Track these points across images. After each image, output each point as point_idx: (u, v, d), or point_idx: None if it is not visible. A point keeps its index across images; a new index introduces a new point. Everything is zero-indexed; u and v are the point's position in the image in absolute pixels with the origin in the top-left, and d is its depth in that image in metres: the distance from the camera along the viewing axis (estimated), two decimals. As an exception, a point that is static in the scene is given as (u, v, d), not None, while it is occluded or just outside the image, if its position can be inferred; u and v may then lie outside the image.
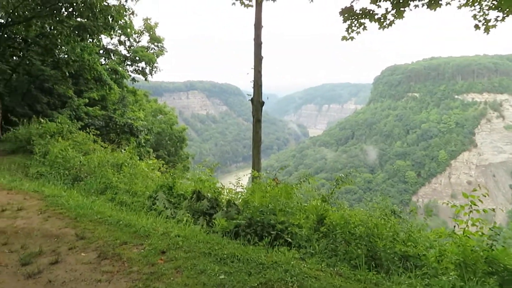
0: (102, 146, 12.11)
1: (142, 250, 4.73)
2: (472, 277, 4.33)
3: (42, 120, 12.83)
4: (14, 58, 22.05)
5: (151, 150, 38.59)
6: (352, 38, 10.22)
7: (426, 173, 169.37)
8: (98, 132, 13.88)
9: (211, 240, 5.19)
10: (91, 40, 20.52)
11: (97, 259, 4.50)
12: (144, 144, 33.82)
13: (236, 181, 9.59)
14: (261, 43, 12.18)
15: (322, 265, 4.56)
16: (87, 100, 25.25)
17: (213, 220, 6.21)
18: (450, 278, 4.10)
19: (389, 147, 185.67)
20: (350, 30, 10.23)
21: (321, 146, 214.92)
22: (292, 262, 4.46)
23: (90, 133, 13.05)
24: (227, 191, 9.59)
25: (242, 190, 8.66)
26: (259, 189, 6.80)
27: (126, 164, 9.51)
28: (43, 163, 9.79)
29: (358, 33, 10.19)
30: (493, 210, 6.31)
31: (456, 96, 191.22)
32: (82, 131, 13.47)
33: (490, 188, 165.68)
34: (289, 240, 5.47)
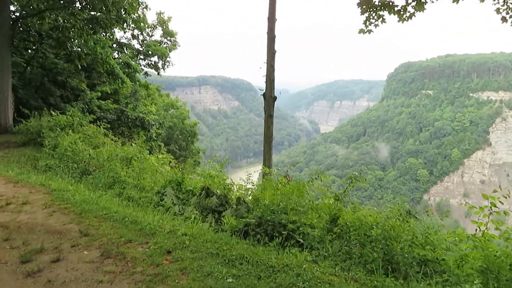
0: (112, 139, 11.96)
1: (147, 249, 4.55)
2: (496, 286, 4.05)
3: (53, 113, 12.72)
4: (29, 51, 22.18)
5: (162, 144, 38.72)
6: (370, 31, 9.87)
7: (439, 171, 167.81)
8: (109, 125, 13.76)
9: (219, 239, 4.99)
10: (104, 33, 20.49)
11: (100, 257, 4.32)
12: (155, 138, 33.92)
13: (246, 177, 9.39)
14: (274, 36, 11.88)
15: (336, 269, 4.29)
16: (99, 94, 25.31)
17: (222, 218, 6.03)
18: (474, 287, 3.82)
19: (401, 144, 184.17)
20: (368, 23, 9.87)
21: (332, 142, 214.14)
22: (304, 266, 4.20)
23: (101, 126, 12.91)
24: (237, 187, 9.40)
25: (252, 186, 8.45)
26: (269, 186, 6.56)
27: (136, 159, 9.35)
28: (52, 156, 9.68)
29: (376, 25, 9.83)
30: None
31: (471, 94, 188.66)
32: (94, 124, 13.35)
33: (503, 187, 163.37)
34: (301, 240, 5.22)
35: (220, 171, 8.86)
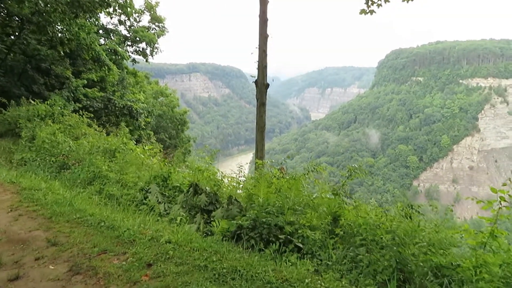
0: (96, 130, 11.25)
1: (124, 262, 3.94)
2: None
3: (32, 102, 11.88)
4: (11, 37, 21.24)
5: (152, 133, 38.03)
6: (372, 11, 9.21)
7: (428, 158, 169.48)
8: (93, 115, 13.02)
9: (208, 247, 4.41)
10: (88, 18, 19.63)
11: (67, 274, 3.71)
12: (144, 127, 33.21)
13: (238, 168, 8.85)
14: (267, 19, 11.17)
15: (343, 282, 3.73)
16: (85, 82, 24.50)
17: (211, 219, 5.49)
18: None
19: (391, 131, 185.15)
20: (370, 2, 9.23)
21: (323, 130, 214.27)
22: (306, 280, 3.64)
23: (84, 116, 12.11)
24: (229, 179, 8.84)
25: (244, 179, 7.91)
26: (264, 181, 5.97)
27: (119, 151, 8.70)
28: (29, 148, 8.94)
29: (379, 5, 9.17)
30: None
31: (460, 81, 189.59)
32: (78, 113, 12.56)
33: (491, 173, 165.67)
34: (300, 245, 4.71)
35: (210, 163, 8.30)
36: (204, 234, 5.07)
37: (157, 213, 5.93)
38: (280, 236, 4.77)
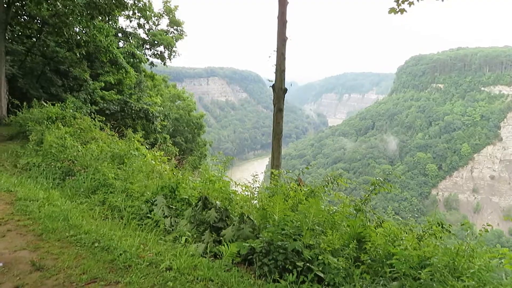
0: (109, 134, 10.89)
1: (115, 295, 3.44)
2: None
3: (44, 104, 11.62)
4: (32, 39, 21.33)
5: (168, 137, 37.93)
6: (402, 10, 8.54)
7: (448, 166, 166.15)
8: (109, 118, 12.68)
9: (214, 276, 3.89)
10: (105, 19, 19.52)
11: (48, 308, 3.21)
12: (160, 130, 33.10)
13: (252, 178, 8.35)
14: (286, 21, 10.67)
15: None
16: (103, 84, 24.53)
17: (221, 237, 5.01)
18: None
19: (410, 138, 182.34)
20: (401, 0, 8.57)
21: (340, 135, 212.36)
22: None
23: (96, 119, 11.76)
24: (243, 188, 8.34)
25: (259, 187, 7.41)
26: (280, 197, 5.38)
27: (129, 156, 8.29)
28: (36, 152, 8.58)
29: (411, 4, 8.51)
30: None
31: (482, 88, 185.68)
32: (91, 116, 12.24)
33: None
34: (321, 275, 4.16)
35: (223, 171, 7.82)
36: (212, 257, 4.57)
37: (161, 228, 5.47)
38: (298, 264, 4.22)
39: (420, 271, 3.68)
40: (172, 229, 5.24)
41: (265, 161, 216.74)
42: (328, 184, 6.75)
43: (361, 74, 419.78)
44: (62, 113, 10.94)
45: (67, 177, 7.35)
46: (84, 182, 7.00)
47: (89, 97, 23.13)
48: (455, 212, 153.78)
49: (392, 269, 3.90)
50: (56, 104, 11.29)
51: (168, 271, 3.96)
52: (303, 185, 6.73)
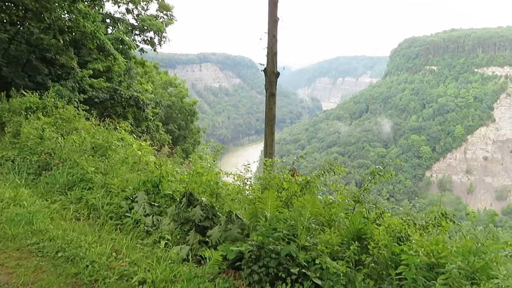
0: (94, 123, 10.36)
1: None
2: None
3: (24, 93, 10.97)
4: (18, 26, 20.62)
5: (160, 124, 37.44)
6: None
7: (441, 148, 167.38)
8: (88, 107, 12.08)
9: None
10: (91, 4, 18.86)
11: None
12: (152, 118, 32.59)
13: (244, 167, 7.97)
14: (277, 1, 10.15)
15: None
16: (91, 72, 23.90)
17: (207, 238, 4.58)
18: None
19: (404, 121, 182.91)
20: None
21: (334, 119, 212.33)
22: None
23: (80, 107, 11.18)
24: (234, 178, 7.96)
25: (251, 177, 7.02)
26: (272, 192, 4.87)
27: (113, 147, 7.81)
28: (14, 145, 7.91)
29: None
30: None
31: (475, 70, 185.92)
32: (74, 105, 11.66)
33: (506, 164, 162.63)
34: (319, 282, 3.70)
35: (213, 161, 7.41)
36: (196, 262, 4.18)
37: (141, 229, 4.96)
38: (292, 270, 3.76)
39: (432, 279, 3.29)
40: (154, 230, 4.81)
41: (260, 146, 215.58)
42: (324, 172, 6.39)
43: (354, 58, 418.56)
44: (42, 102, 10.33)
45: (44, 172, 6.81)
46: (60, 178, 6.43)
47: (77, 85, 22.53)
48: (449, 193, 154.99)
49: (399, 275, 3.50)
50: (34, 93, 10.62)
51: (141, 286, 3.51)
52: (297, 175, 6.36)
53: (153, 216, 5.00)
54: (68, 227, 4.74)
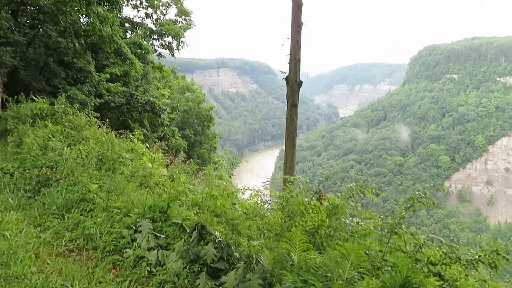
0: (105, 132, 9.77)
1: None
2: None
3: (34, 98, 10.39)
4: (39, 30, 20.53)
5: (177, 129, 37.17)
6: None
7: (461, 158, 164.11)
8: (99, 114, 11.53)
9: None
10: (109, 7, 18.58)
11: None
12: (168, 123, 32.30)
13: (263, 184, 7.36)
14: (301, 4, 9.41)
15: None
16: (108, 76, 23.70)
17: (221, 286, 3.80)
18: None
19: (422, 130, 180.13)
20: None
21: (351, 127, 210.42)
22: None
23: (91, 115, 10.61)
24: (251, 194, 7.32)
25: (269, 201, 6.36)
26: (299, 231, 3.98)
27: (122, 159, 7.24)
28: (16, 156, 7.18)
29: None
30: None
31: (498, 79, 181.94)
32: (87, 111, 11.11)
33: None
34: None
35: (229, 177, 6.79)
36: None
37: (144, 267, 4.20)
38: None
39: None
40: (158, 269, 4.10)
41: (276, 152, 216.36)
42: (353, 195, 5.70)
43: (373, 65, 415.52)
44: (52, 108, 9.76)
45: (43, 188, 6.09)
46: (59, 197, 5.70)
47: (94, 89, 22.33)
48: (468, 205, 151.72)
49: None
50: (44, 99, 10.01)
51: None
52: (323, 198, 5.68)
53: (158, 250, 4.28)
54: (55, 268, 4.00)
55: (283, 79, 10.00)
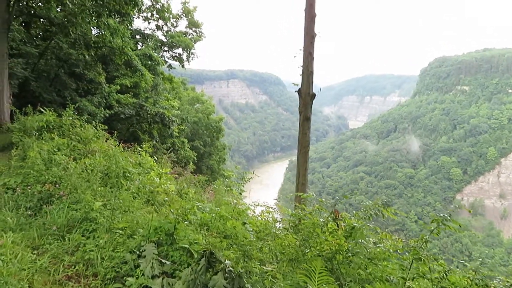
0: (113, 145, 9.50)
1: None
2: None
3: (42, 109, 10.14)
4: (50, 42, 20.65)
5: (186, 141, 37.09)
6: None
7: (473, 170, 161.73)
8: (105, 126, 11.25)
9: None
10: (119, 19, 18.62)
11: None
12: (178, 135, 32.23)
13: (275, 202, 7.04)
14: (315, 15, 9.09)
15: None
16: (118, 87, 23.73)
17: None
18: None
19: (433, 142, 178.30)
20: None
21: (361, 138, 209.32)
22: None
23: (98, 127, 10.32)
24: (262, 211, 7.00)
25: (280, 223, 6.01)
26: (319, 260, 3.66)
27: (128, 174, 6.95)
28: (20, 170, 6.87)
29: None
30: None
31: (510, 91, 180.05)
32: (94, 124, 10.84)
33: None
34: None
35: (240, 193, 6.47)
36: None
37: None
38: None
39: None
40: None
41: (285, 163, 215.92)
42: (370, 215, 5.35)
43: (382, 76, 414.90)
44: (59, 121, 9.52)
45: (44, 206, 5.71)
46: (60, 216, 5.31)
47: (104, 100, 22.33)
48: (481, 218, 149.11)
49: None
50: (51, 111, 9.74)
51: None
52: (340, 219, 5.32)
53: (163, 278, 3.91)
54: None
55: (295, 91, 9.70)
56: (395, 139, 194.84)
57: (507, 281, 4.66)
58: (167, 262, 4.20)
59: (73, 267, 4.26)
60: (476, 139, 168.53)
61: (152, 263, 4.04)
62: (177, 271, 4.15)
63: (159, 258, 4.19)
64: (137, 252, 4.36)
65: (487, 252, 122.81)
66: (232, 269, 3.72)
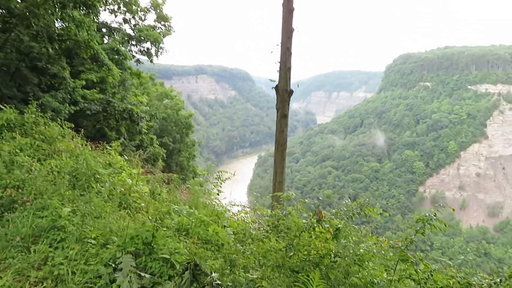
0: (80, 144, 8.94)
1: None
2: None
3: (1, 106, 9.32)
4: (10, 34, 19.52)
5: (155, 137, 36.28)
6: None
7: (435, 164, 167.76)
8: (71, 123, 10.56)
9: None
10: (85, 11, 17.84)
11: None
12: (146, 131, 31.45)
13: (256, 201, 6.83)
14: (293, 9, 8.87)
15: None
16: (84, 82, 22.76)
17: None
18: None
19: (398, 136, 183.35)
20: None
21: (329, 133, 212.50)
22: None
23: (64, 125, 9.68)
24: (239, 211, 6.78)
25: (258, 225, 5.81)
26: (317, 276, 3.44)
27: (98, 176, 6.50)
28: None
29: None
30: None
31: (469, 87, 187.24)
32: (59, 121, 10.18)
33: (499, 180, 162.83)
34: None
35: (218, 194, 6.18)
36: None
37: None
38: None
39: None
40: None
41: (254, 159, 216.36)
42: (353, 215, 5.23)
43: (350, 72, 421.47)
44: (21, 119, 8.82)
45: (6, 215, 5.10)
46: (24, 225, 4.77)
47: (69, 96, 21.35)
48: (442, 209, 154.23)
49: None
50: (12, 108, 8.95)
51: None
52: (323, 220, 5.15)
53: None
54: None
55: (272, 87, 9.46)
56: (361, 134, 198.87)
57: (490, 279, 4.65)
58: (146, 275, 3.80)
59: (40, 284, 3.77)
60: (437, 133, 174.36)
61: (130, 276, 3.66)
62: (156, 284, 3.79)
63: (137, 271, 3.82)
64: (113, 265, 3.93)
65: (447, 241, 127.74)
66: (219, 282, 3.45)
